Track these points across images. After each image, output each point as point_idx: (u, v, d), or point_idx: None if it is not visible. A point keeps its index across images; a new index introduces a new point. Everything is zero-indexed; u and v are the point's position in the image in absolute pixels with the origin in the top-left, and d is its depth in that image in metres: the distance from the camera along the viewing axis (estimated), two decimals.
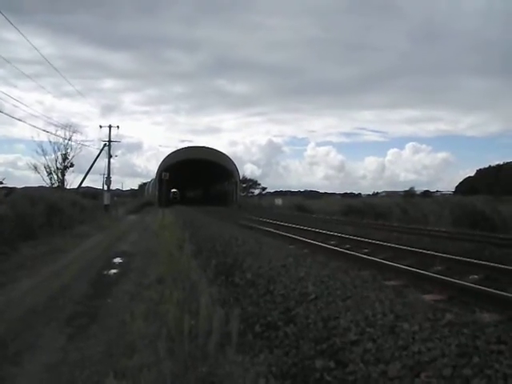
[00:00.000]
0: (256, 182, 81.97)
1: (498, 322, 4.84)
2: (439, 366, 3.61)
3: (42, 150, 37.53)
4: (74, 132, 39.24)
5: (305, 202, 47.68)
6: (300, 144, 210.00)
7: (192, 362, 4.08)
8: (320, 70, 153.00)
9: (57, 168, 38.42)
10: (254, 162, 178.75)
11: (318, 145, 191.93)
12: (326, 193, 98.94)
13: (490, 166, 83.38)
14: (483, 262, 8.54)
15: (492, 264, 8.38)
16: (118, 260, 11.90)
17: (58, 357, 4.79)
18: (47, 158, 37.85)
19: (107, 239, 17.21)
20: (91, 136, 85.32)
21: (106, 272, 10.18)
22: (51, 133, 36.66)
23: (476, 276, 7.68)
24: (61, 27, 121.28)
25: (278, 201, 57.52)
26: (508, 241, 13.68)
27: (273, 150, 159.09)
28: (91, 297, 7.60)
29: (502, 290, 6.12)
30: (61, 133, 37.61)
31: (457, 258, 9.24)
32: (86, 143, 49.55)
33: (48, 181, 37.60)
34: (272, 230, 17.53)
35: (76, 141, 39.95)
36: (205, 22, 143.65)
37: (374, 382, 3.56)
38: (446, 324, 4.63)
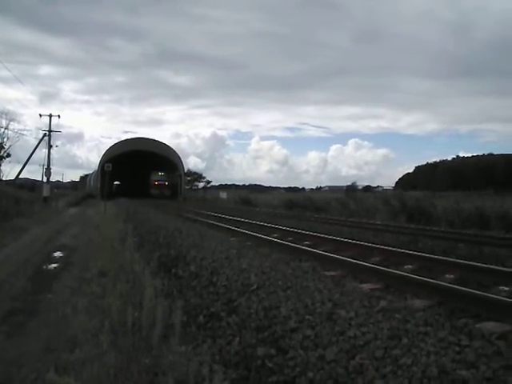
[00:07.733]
0: (201, 175, 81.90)
1: (426, 307, 5.18)
2: (372, 349, 3.86)
3: None
4: (10, 120, 37.67)
5: (250, 196, 47.88)
6: (244, 138, 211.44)
7: (135, 353, 4.10)
8: (265, 65, 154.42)
9: None
10: (197, 155, 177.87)
11: (262, 139, 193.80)
12: (270, 187, 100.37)
13: (427, 163, 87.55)
14: (417, 253, 8.99)
15: (425, 254, 8.86)
16: (58, 254, 11.56)
17: None
18: None
19: (47, 233, 16.64)
20: (29, 125, 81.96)
21: (45, 266, 9.88)
22: None
23: (410, 266, 8.08)
24: None
25: (223, 194, 57.65)
26: (440, 233, 14.52)
27: (217, 143, 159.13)
28: (30, 292, 7.36)
29: (432, 278, 6.50)
30: None
31: (393, 249, 9.68)
32: (23, 132, 47.51)
33: None
34: (216, 223, 17.59)
35: (13, 130, 38.36)
36: (149, 10, 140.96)
37: (312, 366, 3.74)
38: (380, 310, 4.92)
